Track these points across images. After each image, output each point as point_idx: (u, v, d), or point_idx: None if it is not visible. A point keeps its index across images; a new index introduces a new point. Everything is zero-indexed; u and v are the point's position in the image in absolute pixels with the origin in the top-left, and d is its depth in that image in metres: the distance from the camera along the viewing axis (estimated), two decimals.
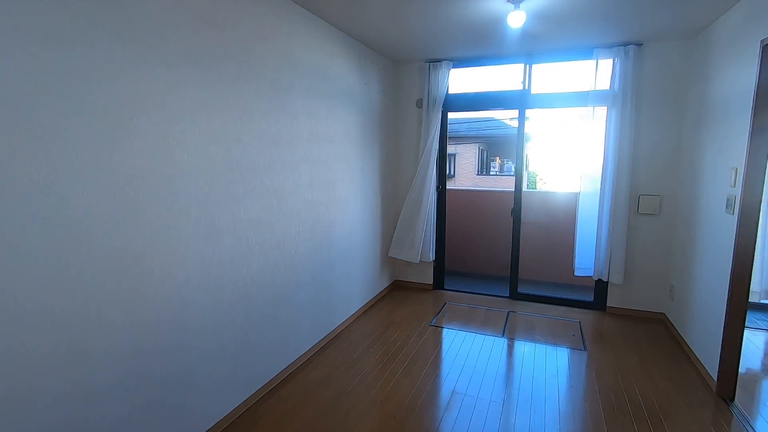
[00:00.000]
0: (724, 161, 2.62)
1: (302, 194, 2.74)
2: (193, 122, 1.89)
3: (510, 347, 3.15)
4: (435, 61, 3.95)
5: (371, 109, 3.68)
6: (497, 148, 15.47)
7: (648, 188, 3.58)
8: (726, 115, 2.63)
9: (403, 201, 4.27)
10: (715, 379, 2.56)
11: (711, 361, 2.65)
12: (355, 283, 3.61)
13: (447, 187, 4.36)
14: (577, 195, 3.81)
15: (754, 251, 2.39)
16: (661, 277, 3.63)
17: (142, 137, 1.66)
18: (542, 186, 13.08)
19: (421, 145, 4.07)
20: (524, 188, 4.09)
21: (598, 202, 3.64)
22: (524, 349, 3.12)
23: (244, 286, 2.27)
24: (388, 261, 4.33)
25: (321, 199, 2.97)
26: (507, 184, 13.79)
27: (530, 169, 16.04)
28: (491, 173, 15.52)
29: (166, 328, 1.81)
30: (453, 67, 3.95)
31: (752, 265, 2.42)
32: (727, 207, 2.55)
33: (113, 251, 1.57)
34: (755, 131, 2.29)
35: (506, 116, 13.57)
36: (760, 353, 3.14)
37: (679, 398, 2.49)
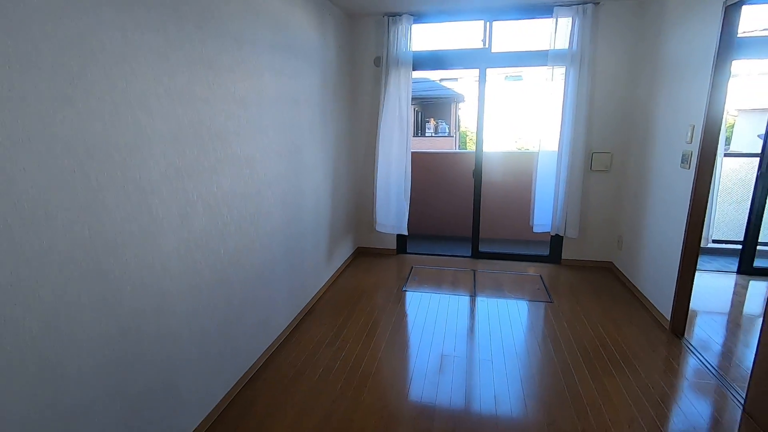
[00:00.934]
0: (681, 119, 2.79)
1: (272, 162, 2.48)
2: (156, 80, 1.57)
3: (484, 305, 3.24)
4: (394, 15, 3.72)
5: (330, 67, 3.41)
6: (431, 109, 15.55)
7: (601, 146, 3.76)
8: (684, 74, 2.78)
9: (364, 166, 4.12)
10: (669, 318, 2.84)
11: (664, 303, 2.93)
12: (324, 254, 3.46)
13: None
14: (535, 154, 3.92)
15: (707, 203, 2.61)
16: (610, 229, 3.91)
17: (98, 97, 1.33)
18: (471, 146, 13.49)
19: (381, 107, 3.89)
20: (457, 149, 4.14)
21: (555, 161, 3.77)
22: (497, 305, 3.23)
23: (222, 269, 2.04)
24: (351, 228, 4.20)
25: (290, 168, 2.73)
26: (443, 146, 14.05)
27: (462, 129, 16.41)
28: (427, 135, 15.66)
29: (147, 330, 1.56)
30: (414, 23, 3.76)
31: (706, 214, 2.65)
32: (682, 162, 2.75)
33: (79, 242, 1.28)
34: (715, 88, 2.44)
35: (442, 77, 13.60)
36: (702, 292, 3.54)
37: (640, 338, 2.74)
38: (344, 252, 4.04)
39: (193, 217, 1.80)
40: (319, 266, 3.36)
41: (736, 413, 2.04)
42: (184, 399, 1.80)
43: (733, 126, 9.23)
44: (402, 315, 3.08)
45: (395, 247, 4.41)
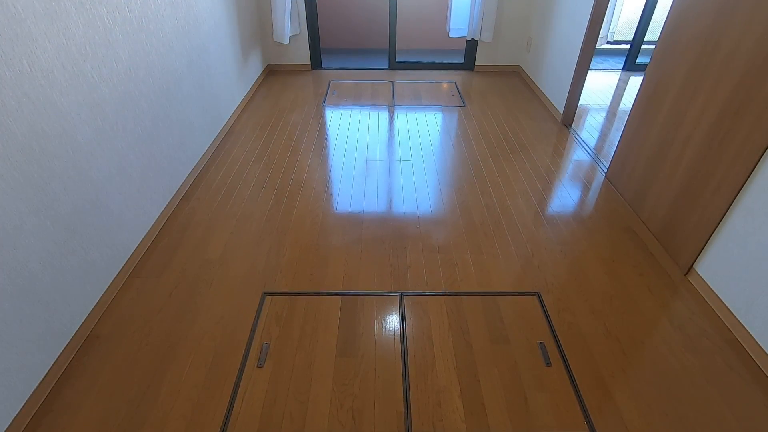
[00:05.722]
0: None
1: None
2: None
3: (403, 114, 3.36)
4: None
5: None
6: None
7: None
8: None
9: None
10: (561, 112, 3.21)
11: (559, 100, 3.26)
12: (232, 69, 3.17)
13: None
14: None
15: (609, 0, 2.70)
16: (521, 30, 3.97)
17: None
18: None
19: None
20: None
21: None
22: (415, 113, 3.37)
23: (121, 83, 1.82)
24: (257, 42, 3.79)
25: None
26: None
27: None
28: None
29: (52, 150, 1.43)
30: None
31: (605, 12, 2.77)
32: None
33: None
34: None
35: None
36: (591, 89, 3.93)
37: (536, 130, 3.12)
38: (255, 70, 3.72)
39: (65, 18, 1.49)
40: (229, 83, 3.11)
41: (601, 180, 2.57)
42: (118, 217, 1.81)
43: None
44: (324, 129, 3.12)
45: (309, 63, 4.14)
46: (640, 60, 4.20)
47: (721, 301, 1.69)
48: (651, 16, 3.97)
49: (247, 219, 2.20)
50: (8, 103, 1.27)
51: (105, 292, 1.72)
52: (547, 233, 2.12)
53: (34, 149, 1.37)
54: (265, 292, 1.77)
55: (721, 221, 1.68)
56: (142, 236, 1.99)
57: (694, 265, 1.84)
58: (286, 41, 3.67)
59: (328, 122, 3.22)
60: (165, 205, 2.19)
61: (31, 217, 1.36)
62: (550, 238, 2.09)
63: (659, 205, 2.04)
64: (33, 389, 1.36)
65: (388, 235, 2.10)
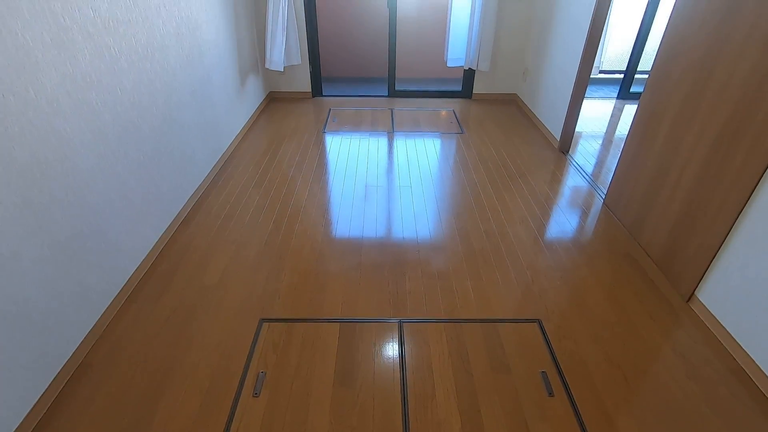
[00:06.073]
0: None
1: None
2: None
3: (402, 141, 3.41)
4: None
5: None
6: None
7: None
8: None
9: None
10: (558, 139, 3.26)
11: (556, 127, 3.31)
12: (234, 97, 3.24)
13: None
14: None
15: (602, 31, 2.79)
16: (517, 61, 4.07)
17: None
18: None
19: None
20: None
21: None
22: (414, 140, 3.42)
23: (124, 111, 1.85)
24: (260, 71, 3.88)
25: None
26: None
27: None
28: None
29: (53, 174, 1.44)
30: None
31: (599, 43, 2.85)
32: None
33: None
34: None
35: None
36: (587, 116, 4.00)
37: (534, 156, 3.16)
38: (256, 97, 3.80)
39: (71, 46, 1.53)
40: (231, 111, 3.17)
41: (599, 206, 2.58)
42: (116, 242, 1.80)
43: None
44: (324, 155, 3.16)
45: (310, 90, 4.23)
46: (634, 89, 4.30)
47: (724, 328, 1.67)
48: (644, 47, 4.08)
49: (245, 244, 2.20)
50: (11, 130, 1.29)
51: (100, 317, 1.69)
52: (546, 259, 2.11)
53: (35, 174, 1.38)
54: (262, 319, 1.75)
55: (721, 247, 1.68)
56: (140, 261, 1.98)
57: (695, 292, 1.82)
58: (281, 69, 3.74)
59: (328, 148, 3.26)
60: (164, 230, 2.19)
61: (28, 242, 1.35)
62: (549, 264, 2.08)
63: (658, 232, 2.04)
64: (23, 418, 1.33)
65: (387, 261, 2.09)
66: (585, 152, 3.26)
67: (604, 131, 3.78)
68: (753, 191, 1.52)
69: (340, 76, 4.92)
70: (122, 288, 1.84)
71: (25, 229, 1.34)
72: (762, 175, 1.48)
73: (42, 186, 1.40)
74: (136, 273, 1.94)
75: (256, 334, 1.68)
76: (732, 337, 1.63)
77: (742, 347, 1.58)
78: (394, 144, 3.36)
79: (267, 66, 3.70)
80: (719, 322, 1.69)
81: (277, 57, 3.63)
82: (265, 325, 1.73)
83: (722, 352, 1.63)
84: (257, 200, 2.57)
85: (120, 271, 1.83)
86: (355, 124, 3.68)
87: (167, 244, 2.18)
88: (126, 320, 1.75)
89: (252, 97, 3.68)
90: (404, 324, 1.74)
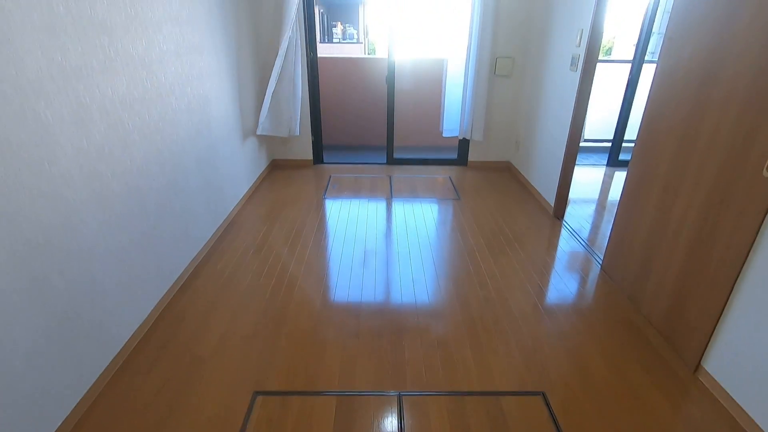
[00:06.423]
0: (573, 23, 3.02)
1: (171, 64, 2.25)
2: None
3: (400, 207, 3.49)
4: None
5: None
6: (337, 12, 14.50)
7: (504, 51, 3.95)
8: None
9: (270, 71, 3.87)
10: (552, 205, 3.34)
11: (549, 193, 3.41)
12: (238, 165, 3.36)
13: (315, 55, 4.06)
14: (444, 61, 4.00)
15: (588, 100, 2.98)
16: (510, 131, 4.29)
17: None
18: (380, 53, 12.98)
19: (284, 6, 3.58)
20: (368, 54, 4.08)
21: (464, 67, 3.90)
22: (412, 206, 3.50)
23: (132, 179, 1.92)
24: (264, 139, 4.06)
25: (192, 71, 2.50)
26: (352, 51, 13.39)
27: (370, 37, 15.61)
28: (334, 41, 14.74)
29: (58, 243, 1.47)
30: None
31: (586, 114, 3.03)
32: (571, 65, 3.04)
33: None
34: None
35: None
36: (579, 183, 4.13)
37: (529, 222, 3.22)
38: (260, 164, 3.94)
39: (89, 123, 1.63)
40: (234, 178, 3.27)
41: (597, 271, 2.59)
42: (112, 310, 1.78)
43: (614, 39, 10.07)
44: (324, 221, 3.21)
45: (311, 158, 4.39)
46: (622, 157, 4.48)
47: (734, 401, 1.61)
48: (628, 116, 4.31)
49: (243, 312, 2.17)
50: (22, 201, 1.33)
51: (90, 389, 1.63)
52: (547, 328, 2.08)
53: (39, 242, 1.40)
54: (256, 392, 1.69)
55: (722, 314, 1.67)
56: (135, 329, 1.95)
57: (701, 362, 1.78)
58: (287, 135, 3.91)
59: (327, 214, 3.33)
60: (161, 297, 2.18)
61: (23, 312, 1.35)
62: (551, 332, 2.05)
63: (658, 298, 2.03)
64: None
65: (385, 328, 2.05)
66: (579, 217, 3.32)
67: (597, 197, 3.88)
68: (747, 254, 1.54)
69: (341, 144, 5.13)
70: (114, 357, 1.79)
71: (21, 296, 1.34)
72: (755, 238, 1.51)
73: (44, 254, 1.42)
74: (129, 342, 1.90)
75: (250, 409, 1.61)
76: (744, 411, 1.56)
77: (755, 421, 1.52)
78: (393, 209, 3.43)
79: (258, 132, 3.84)
80: (729, 395, 1.63)
81: (263, 121, 3.76)
82: (260, 398, 1.66)
83: (735, 427, 1.56)
84: (256, 266, 2.57)
85: (113, 340, 1.80)
86: (355, 191, 3.79)
87: (162, 312, 2.16)
88: (116, 391, 1.68)
89: (255, 165, 3.82)
90: (404, 397, 1.67)
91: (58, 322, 1.48)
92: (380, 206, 3.48)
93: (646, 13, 3.97)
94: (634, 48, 4.13)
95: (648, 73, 2.26)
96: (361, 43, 13.94)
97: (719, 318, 1.68)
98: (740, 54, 1.59)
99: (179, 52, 2.34)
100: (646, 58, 4.11)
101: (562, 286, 2.43)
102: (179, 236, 2.37)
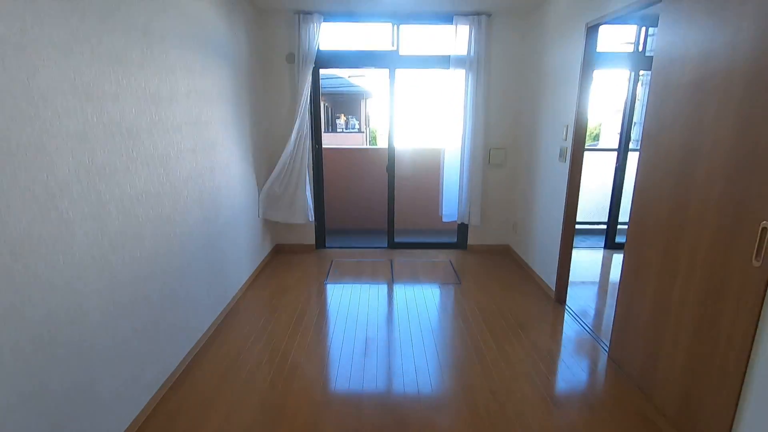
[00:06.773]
0: (558, 119, 3.29)
1: (187, 160, 2.43)
2: (61, 72, 1.49)
3: (401, 291, 3.49)
4: (305, 13, 3.78)
5: (241, 63, 3.37)
6: (341, 105, 15.68)
7: (497, 143, 4.23)
8: (560, 81, 3.27)
9: (277, 161, 4.12)
10: (553, 289, 3.34)
11: (549, 277, 3.43)
12: (243, 251, 3.43)
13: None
14: (441, 151, 4.27)
15: (579, 189, 3.13)
16: (507, 216, 4.42)
17: None
18: (380, 142, 13.80)
19: (296, 103, 3.93)
20: (368, 145, 4.37)
21: (459, 156, 4.15)
22: (413, 290, 3.50)
23: (140, 268, 1.97)
24: (268, 225, 4.19)
25: (206, 165, 2.68)
26: (354, 141, 14.25)
27: (371, 126, 16.70)
28: (338, 131, 15.75)
29: (61, 337, 1.48)
30: (324, 21, 3.85)
31: (578, 200, 3.17)
32: (560, 156, 3.24)
33: None
34: (581, 93, 2.93)
35: (351, 74, 13.70)
36: (578, 266, 4.16)
37: (532, 307, 3.19)
38: (263, 249, 4.02)
39: (106, 218, 1.73)
40: (238, 264, 3.32)
41: (604, 360, 2.52)
42: (107, 404, 1.72)
43: (600, 126, 10.77)
44: (325, 306, 3.20)
45: (314, 243, 4.48)
46: (618, 239, 4.56)
47: None
48: (620, 200, 4.47)
49: (240, 406, 2.08)
50: (33, 297, 1.37)
51: None
52: (558, 421, 1.98)
53: (44, 337, 1.41)
54: None
55: (738, 407, 1.61)
56: (127, 424, 1.86)
57: None
58: (302, 222, 4.05)
59: (329, 299, 3.32)
60: (157, 389, 2.11)
61: (18, 408, 1.31)
62: (562, 427, 1.95)
63: (669, 389, 1.96)
64: None
65: (387, 424, 1.96)
66: (582, 302, 3.30)
67: (597, 280, 3.89)
68: (752, 343, 1.53)
69: (343, 228, 5.26)
70: None
71: (16, 390, 1.31)
72: (756, 327, 1.51)
73: (48, 348, 1.42)
74: None
75: None
76: None
77: None
78: (394, 294, 3.43)
79: (275, 218, 3.99)
80: None
81: (293, 209, 3.96)
82: None
83: None
84: (256, 355, 2.52)
85: None
86: (356, 275, 3.81)
87: (157, 406, 2.07)
88: None
89: (260, 250, 3.89)
90: None
91: (50, 420, 1.43)
92: (381, 291, 3.48)
93: (626, 104, 4.32)
94: (618, 136, 4.43)
95: (634, 159, 2.42)
96: (363, 132, 14.87)
97: (735, 411, 1.61)
98: (713, 145, 1.72)
99: (195, 149, 2.53)
100: (630, 146, 4.38)
101: (569, 376, 2.36)
102: (180, 325, 2.35)
